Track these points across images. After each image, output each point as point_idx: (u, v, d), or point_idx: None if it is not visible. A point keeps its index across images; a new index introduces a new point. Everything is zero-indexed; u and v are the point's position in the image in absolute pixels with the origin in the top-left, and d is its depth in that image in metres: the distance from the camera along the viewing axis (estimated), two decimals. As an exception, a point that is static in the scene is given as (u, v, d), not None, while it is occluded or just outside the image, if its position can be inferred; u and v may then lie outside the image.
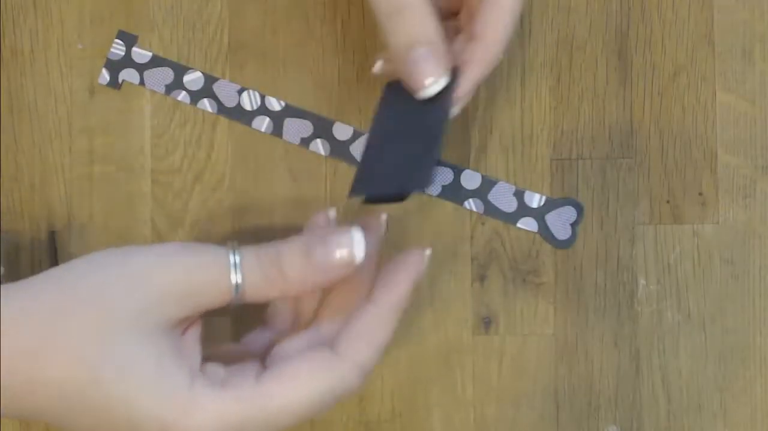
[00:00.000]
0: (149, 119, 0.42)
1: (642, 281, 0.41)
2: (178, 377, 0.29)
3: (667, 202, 0.41)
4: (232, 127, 0.42)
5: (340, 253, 0.31)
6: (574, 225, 0.41)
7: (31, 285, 0.31)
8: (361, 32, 0.42)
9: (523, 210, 0.41)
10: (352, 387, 0.31)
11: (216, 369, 0.31)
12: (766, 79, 0.41)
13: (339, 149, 0.41)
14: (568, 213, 0.41)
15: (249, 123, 0.41)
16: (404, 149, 0.35)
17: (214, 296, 0.30)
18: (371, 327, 0.31)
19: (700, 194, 0.41)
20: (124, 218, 0.41)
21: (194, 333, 0.31)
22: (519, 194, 0.41)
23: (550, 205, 0.41)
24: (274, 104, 0.41)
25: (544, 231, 0.41)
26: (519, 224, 0.41)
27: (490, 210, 0.41)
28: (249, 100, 0.41)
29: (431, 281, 0.41)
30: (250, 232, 0.41)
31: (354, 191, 0.35)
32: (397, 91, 0.36)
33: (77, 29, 0.42)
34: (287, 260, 0.31)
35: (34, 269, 0.41)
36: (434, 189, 0.41)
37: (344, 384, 0.31)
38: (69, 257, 0.41)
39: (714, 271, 0.41)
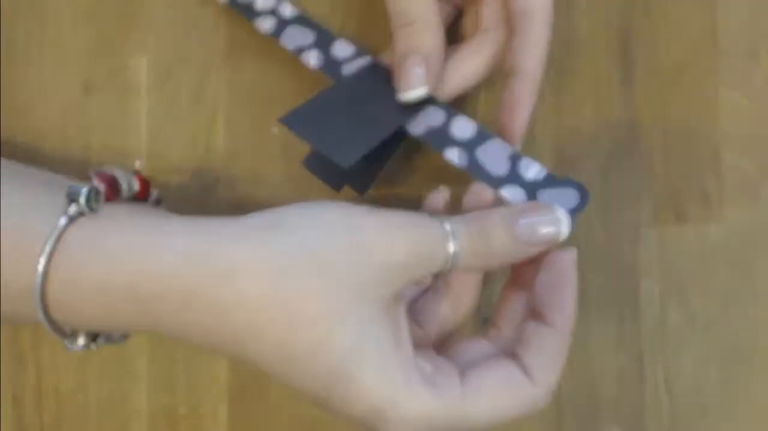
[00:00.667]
0: (146, 119, 0.42)
1: (645, 282, 0.41)
2: (397, 365, 0.30)
3: (671, 202, 0.41)
4: (230, 126, 0.42)
5: (546, 230, 0.32)
6: (573, 211, 0.34)
7: (258, 230, 0.31)
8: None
9: (514, 178, 0.35)
10: (539, 407, 0.32)
11: (423, 364, 0.31)
12: (771, 78, 0.41)
13: (330, 66, 0.38)
14: (569, 196, 0.34)
15: (253, 20, 0.40)
16: (353, 119, 0.35)
17: (430, 267, 0.31)
18: (557, 352, 0.32)
19: (704, 194, 0.41)
20: (121, 219, 0.41)
21: (404, 314, 0.32)
22: (515, 159, 0.35)
23: (549, 181, 0.35)
24: (286, 11, 0.40)
25: None
26: (503, 192, 0.35)
27: (474, 167, 0.35)
28: (262, 1, 0.40)
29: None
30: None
31: (284, 119, 0.35)
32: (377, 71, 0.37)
33: (73, 28, 0.42)
34: (493, 233, 0.32)
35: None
36: (417, 128, 0.36)
37: (536, 407, 0.32)
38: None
39: (718, 272, 0.41)
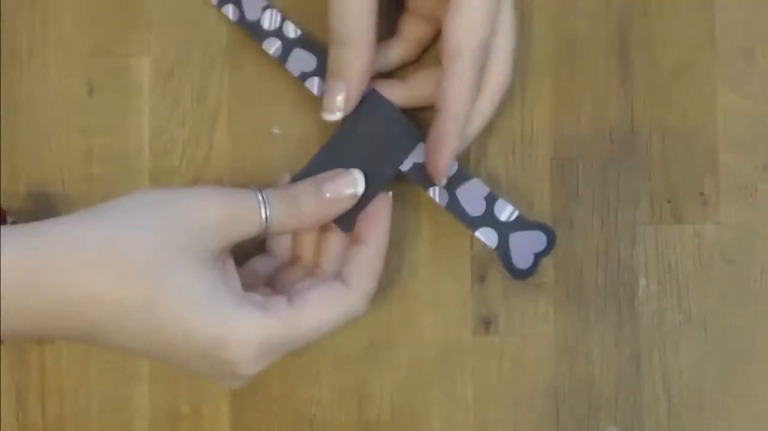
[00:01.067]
0: (148, 119, 0.42)
1: (643, 282, 0.41)
2: (227, 299, 0.34)
3: (668, 202, 0.41)
4: (230, 126, 0.42)
5: (348, 190, 0.37)
6: (538, 256, 0.38)
7: (84, 217, 0.34)
8: None
9: (489, 219, 0.38)
10: (360, 311, 0.37)
11: (255, 297, 0.35)
12: (768, 79, 0.41)
13: None
14: (537, 240, 0.38)
15: (260, 42, 0.41)
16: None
17: (248, 229, 0.35)
18: (370, 263, 0.37)
19: (701, 193, 0.41)
20: (123, 218, 0.41)
21: (232, 264, 0.36)
22: (490, 200, 0.38)
23: (520, 224, 0.38)
24: (291, 31, 0.40)
25: (503, 252, 0.38)
26: (477, 233, 0.38)
27: (453, 206, 0.38)
28: (269, 19, 0.41)
29: (431, 281, 0.41)
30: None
31: (294, 178, 0.39)
32: (373, 107, 0.39)
33: (75, 28, 0.42)
34: (303, 197, 0.37)
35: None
36: (405, 164, 0.39)
37: (355, 308, 0.37)
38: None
39: (715, 271, 0.41)
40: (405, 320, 0.41)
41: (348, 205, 0.38)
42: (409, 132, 0.39)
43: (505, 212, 0.38)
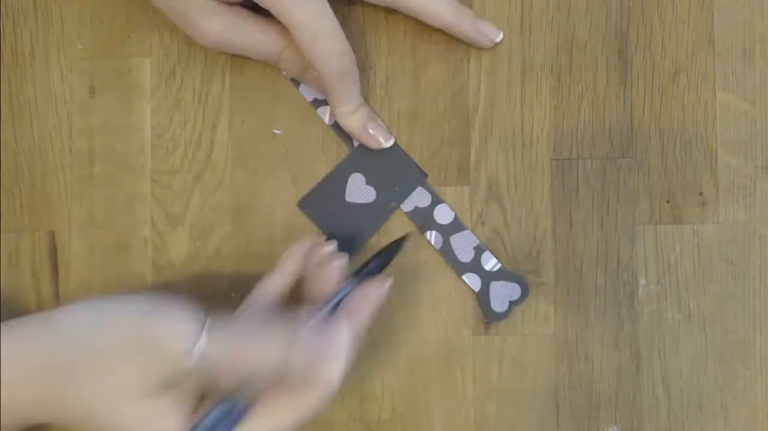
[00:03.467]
0: (149, 119, 0.42)
1: (642, 281, 0.41)
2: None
3: (667, 202, 0.41)
4: (232, 127, 0.42)
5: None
6: (512, 303, 0.41)
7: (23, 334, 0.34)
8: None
9: (475, 267, 0.41)
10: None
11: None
12: (767, 79, 0.41)
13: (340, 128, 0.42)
14: (513, 290, 0.41)
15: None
16: (357, 208, 0.41)
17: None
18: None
19: (700, 193, 0.41)
20: (124, 218, 0.41)
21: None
22: (478, 250, 0.41)
23: (500, 275, 0.41)
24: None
25: (484, 295, 0.41)
26: (464, 277, 0.41)
27: (446, 251, 0.41)
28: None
29: (432, 282, 0.41)
30: (250, 232, 0.41)
31: (300, 203, 0.42)
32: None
33: (77, 30, 0.42)
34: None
35: (34, 268, 0.41)
36: (407, 206, 0.41)
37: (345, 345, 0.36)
38: (69, 257, 0.41)
39: (714, 271, 0.41)
40: (405, 320, 0.41)
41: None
42: (415, 173, 0.41)
43: (490, 262, 0.41)
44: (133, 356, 0.33)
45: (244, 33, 0.39)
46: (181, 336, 0.33)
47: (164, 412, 0.34)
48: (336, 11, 0.38)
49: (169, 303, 0.35)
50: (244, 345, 0.34)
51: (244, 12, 0.39)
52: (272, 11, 0.38)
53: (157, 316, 0.34)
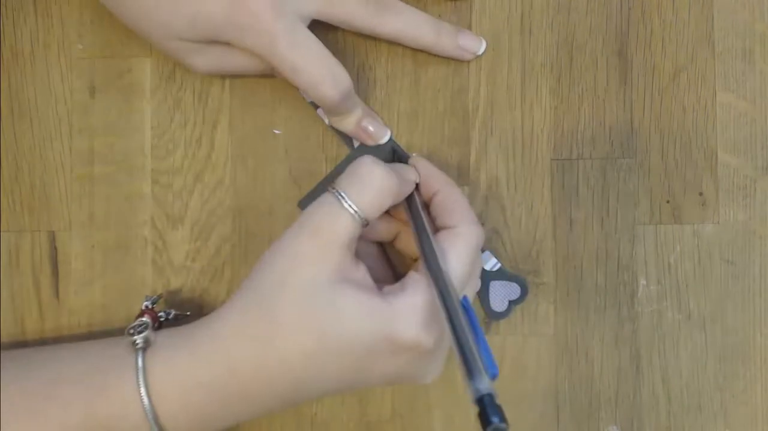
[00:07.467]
0: (149, 119, 0.42)
1: (642, 281, 0.41)
2: (373, 302, 0.34)
3: (667, 202, 0.41)
4: (232, 127, 0.42)
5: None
6: (512, 302, 0.41)
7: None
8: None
9: None
10: (482, 234, 0.37)
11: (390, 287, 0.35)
12: (766, 80, 0.41)
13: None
14: (512, 290, 0.41)
15: None
16: None
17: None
18: (456, 202, 0.38)
19: (700, 194, 0.41)
20: (124, 218, 0.41)
21: (363, 268, 0.36)
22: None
23: (500, 274, 0.41)
24: None
25: (483, 294, 0.41)
26: None
27: None
28: None
29: (431, 282, 0.41)
30: (250, 232, 0.41)
31: (300, 203, 0.41)
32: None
33: (77, 30, 0.42)
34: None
35: (35, 269, 0.41)
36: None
37: (479, 235, 0.37)
38: (69, 257, 0.41)
39: (714, 271, 0.41)
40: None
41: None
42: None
43: (490, 262, 0.41)
44: None
45: (233, 62, 0.39)
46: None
47: None
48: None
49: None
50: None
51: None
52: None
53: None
